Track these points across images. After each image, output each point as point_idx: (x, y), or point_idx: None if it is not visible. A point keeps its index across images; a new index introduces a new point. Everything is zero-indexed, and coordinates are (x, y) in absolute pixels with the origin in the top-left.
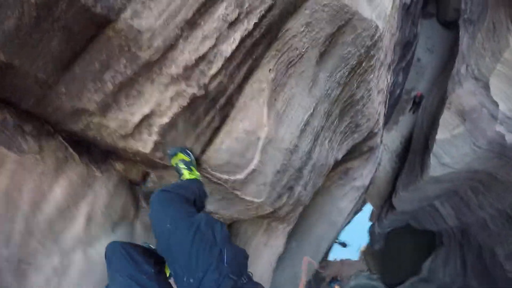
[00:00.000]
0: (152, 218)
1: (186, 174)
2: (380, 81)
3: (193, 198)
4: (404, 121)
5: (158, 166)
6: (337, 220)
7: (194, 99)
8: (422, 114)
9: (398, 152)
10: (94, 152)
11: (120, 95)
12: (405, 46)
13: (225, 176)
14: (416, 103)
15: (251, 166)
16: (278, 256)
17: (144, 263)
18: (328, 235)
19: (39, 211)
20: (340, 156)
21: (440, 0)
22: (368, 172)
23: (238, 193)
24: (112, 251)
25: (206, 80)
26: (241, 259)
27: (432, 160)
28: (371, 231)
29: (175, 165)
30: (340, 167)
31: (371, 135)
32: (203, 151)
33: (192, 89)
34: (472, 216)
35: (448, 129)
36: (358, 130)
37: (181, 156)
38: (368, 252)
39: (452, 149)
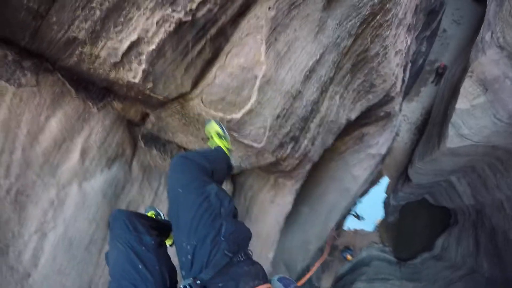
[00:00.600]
0: (168, 182)
1: (215, 139)
2: (398, 41)
3: (211, 168)
4: (426, 93)
5: (154, 103)
6: (350, 188)
7: (180, 25)
8: (444, 86)
9: (418, 124)
10: (91, 89)
11: (108, 21)
12: (430, 14)
13: (220, 114)
14: (439, 74)
15: (248, 106)
16: (286, 215)
17: (145, 234)
18: (341, 203)
19: (37, 142)
20: (353, 116)
21: None
22: (385, 140)
23: (235, 134)
24: (115, 218)
25: (194, 6)
26: (241, 237)
27: (450, 131)
28: (386, 203)
29: (206, 133)
30: (355, 132)
31: (387, 99)
32: (194, 84)
33: (178, 14)
34: (488, 196)
35: (468, 98)
36: (373, 90)
37: (215, 127)
38: (382, 225)
39: (471, 120)
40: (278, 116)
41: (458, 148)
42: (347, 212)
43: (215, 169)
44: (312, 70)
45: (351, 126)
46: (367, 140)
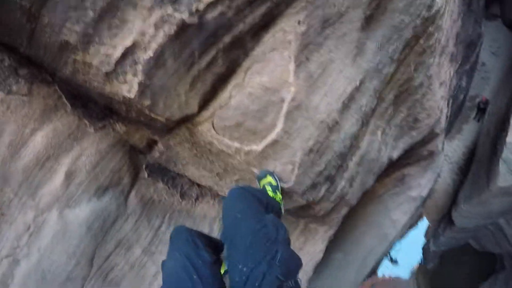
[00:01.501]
0: (224, 209)
1: (268, 191)
2: (442, 71)
3: (266, 202)
4: (468, 130)
5: (159, 128)
6: (389, 233)
7: (183, 28)
8: (488, 122)
9: (461, 163)
10: (92, 107)
11: (102, 23)
12: (469, 46)
13: (236, 144)
14: (481, 109)
15: (272, 135)
16: (316, 264)
17: (203, 250)
18: (378, 249)
19: (18, 157)
20: (395, 155)
21: (504, 0)
22: (427, 182)
23: (256, 171)
24: (178, 233)
25: (201, 6)
26: (293, 265)
27: (502, 167)
28: (425, 248)
29: (262, 187)
30: (395, 173)
31: (431, 136)
32: (203, 104)
33: (181, 15)
34: None
35: None
36: (417, 126)
37: (269, 178)
38: (420, 271)
39: None
40: (310, 151)
41: (511, 186)
42: (383, 257)
43: (269, 204)
44: (351, 98)
45: (392, 167)
46: (408, 182)
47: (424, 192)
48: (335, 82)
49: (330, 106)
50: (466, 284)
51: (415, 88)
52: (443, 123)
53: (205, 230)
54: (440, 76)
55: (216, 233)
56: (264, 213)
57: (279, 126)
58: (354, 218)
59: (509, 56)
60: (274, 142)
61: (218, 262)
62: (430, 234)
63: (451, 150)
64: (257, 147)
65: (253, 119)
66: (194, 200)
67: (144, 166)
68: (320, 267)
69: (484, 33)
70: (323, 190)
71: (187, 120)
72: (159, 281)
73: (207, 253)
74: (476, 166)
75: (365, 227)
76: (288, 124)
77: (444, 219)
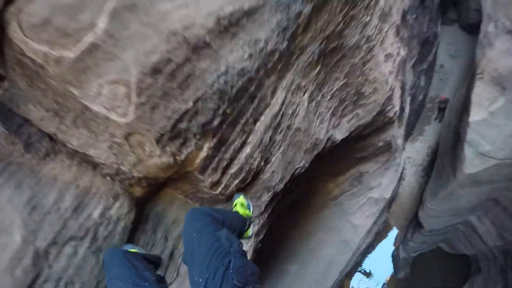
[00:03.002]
0: (183, 232)
1: (238, 207)
2: (387, 41)
3: (222, 219)
4: (430, 131)
5: None
6: (351, 240)
7: None
8: (448, 115)
9: (425, 165)
10: None
11: None
12: (425, 44)
13: (43, 48)
14: (441, 108)
15: (90, 37)
16: None
17: (144, 270)
18: (340, 259)
19: None
20: (339, 136)
21: (460, 4)
22: (389, 182)
23: (76, 92)
24: (112, 257)
25: None
26: (249, 271)
27: (467, 151)
28: (395, 257)
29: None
30: (351, 170)
31: (384, 119)
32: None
33: None
34: None
35: (483, 106)
36: (363, 103)
37: (242, 199)
38: (391, 282)
39: (492, 131)
40: (155, 71)
41: (479, 173)
42: (353, 270)
43: (226, 221)
44: (233, 21)
45: (345, 161)
46: (367, 181)
47: (387, 194)
48: None
49: (191, 19)
50: None
51: (350, 50)
52: (397, 106)
53: (53, 196)
54: (384, 46)
55: (70, 203)
56: (219, 228)
57: (101, 25)
58: (309, 225)
59: (467, 57)
60: (94, 47)
61: (161, 278)
62: (399, 241)
63: (414, 152)
64: (70, 53)
65: (65, 15)
66: (42, 156)
67: None
68: (270, 282)
69: (440, 33)
70: (194, 144)
71: None
72: None
73: (149, 273)
74: (439, 160)
75: (322, 234)
76: (114, 26)
77: (412, 223)
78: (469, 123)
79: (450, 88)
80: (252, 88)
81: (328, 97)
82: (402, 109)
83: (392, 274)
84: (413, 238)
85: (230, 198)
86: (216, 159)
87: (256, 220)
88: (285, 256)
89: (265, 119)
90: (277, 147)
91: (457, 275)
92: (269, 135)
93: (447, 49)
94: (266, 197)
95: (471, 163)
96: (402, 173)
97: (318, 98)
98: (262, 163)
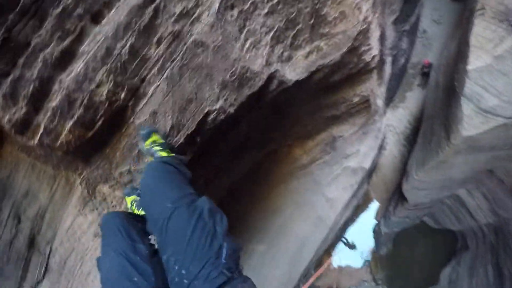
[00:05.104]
0: (146, 188)
1: (161, 154)
2: None
3: (184, 172)
4: (413, 98)
5: None
6: (325, 216)
7: None
8: (434, 77)
9: (407, 133)
10: None
11: None
12: (407, 1)
13: None
14: (425, 73)
15: None
16: None
17: (139, 242)
18: (315, 236)
19: None
20: (291, 76)
21: None
22: (368, 149)
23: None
24: (108, 223)
25: None
26: (238, 254)
27: (465, 108)
28: (376, 232)
29: (147, 148)
30: (322, 134)
31: (359, 65)
32: None
33: None
34: None
35: (486, 49)
36: (325, 31)
37: (155, 137)
38: (372, 258)
39: (498, 81)
40: None
41: (480, 135)
42: (331, 246)
43: (186, 173)
44: None
45: (313, 121)
46: (342, 148)
47: (366, 163)
48: None
49: None
50: (426, 267)
51: None
52: (375, 50)
53: None
54: None
55: None
56: (195, 194)
57: None
58: (273, 198)
59: (450, 25)
60: None
61: (156, 251)
62: (380, 215)
63: (395, 120)
64: None
65: None
66: None
67: None
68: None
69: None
70: None
71: None
72: None
73: (144, 245)
74: (426, 125)
75: (292, 209)
76: None
77: (394, 196)
78: (467, 71)
79: (434, 54)
80: None
81: (265, 10)
82: (382, 61)
83: (373, 250)
84: (395, 213)
85: (79, 154)
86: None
87: None
88: (249, 235)
89: (116, 14)
90: (155, 68)
91: (443, 252)
92: (130, 44)
93: (431, 15)
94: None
95: (470, 122)
96: (383, 141)
97: (245, 7)
98: (124, 94)
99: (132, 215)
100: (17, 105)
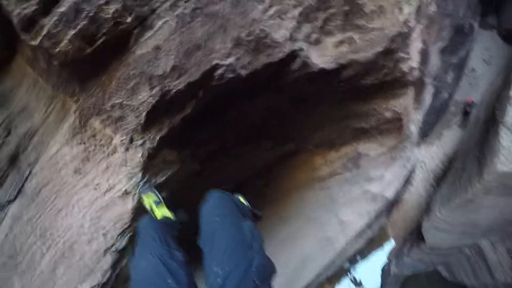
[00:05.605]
0: (203, 213)
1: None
2: None
3: (242, 208)
4: (449, 137)
5: None
6: (334, 238)
7: None
8: (475, 115)
9: (438, 173)
10: None
11: None
12: (458, 33)
13: None
14: (466, 113)
15: None
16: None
17: (176, 250)
18: (319, 257)
19: None
20: (317, 61)
21: (501, 10)
22: (393, 178)
23: None
24: (146, 227)
25: None
26: (269, 271)
27: (504, 139)
28: (385, 270)
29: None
30: (346, 146)
31: (395, 74)
32: None
33: None
34: None
35: None
36: (361, 23)
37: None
38: None
39: None
40: None
41: None
42: (336, 275)
43: (245, 211)
44: None
45: (338, 127)
46: (366, 168)
47: (389, 193)
48: None
49: None
50: None
51: None
52: (414, 62)
53: None
54: None
55: None
56: (243, 219)
57: None
58: (286, 206)
59: (500, 65)
60: None
61: (190, 261)
62: (394, 254)
63: (428, 157)
64: None
65: None
66: None
67: None
68: None
69: (476, 32)
70: None
71: None
72: None
73: (180, 253)
74: (459, 161)
75: (301, 224)
76: None
77: (411, 235)
78: (510, 98)
79: (479, 95)
80: None
81: None
82: (421, 82)
83: None
84: (409, 254)
85: (76, 71)
86: None
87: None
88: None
89: None
90: (168, 3)
91: None
92: None
93: (482, 54)
94: (145, 95)
95: (508, 156)
96: (410, 175)
97: None
98: (131, 20)
99: (167, 222)
100: (29, 1)
